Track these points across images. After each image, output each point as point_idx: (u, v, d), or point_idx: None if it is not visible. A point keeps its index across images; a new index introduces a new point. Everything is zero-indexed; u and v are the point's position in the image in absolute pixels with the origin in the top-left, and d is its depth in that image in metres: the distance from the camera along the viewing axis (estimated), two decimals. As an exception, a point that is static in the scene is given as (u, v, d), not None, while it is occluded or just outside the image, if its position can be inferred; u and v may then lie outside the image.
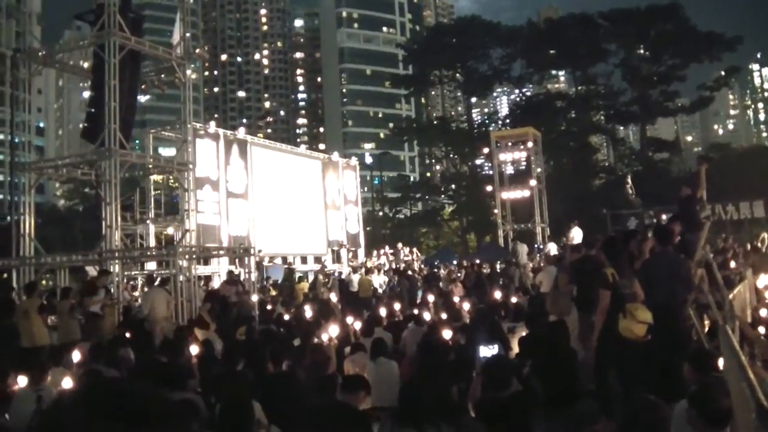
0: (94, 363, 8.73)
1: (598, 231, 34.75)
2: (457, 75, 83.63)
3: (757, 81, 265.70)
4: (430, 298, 14.01)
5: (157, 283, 17.90)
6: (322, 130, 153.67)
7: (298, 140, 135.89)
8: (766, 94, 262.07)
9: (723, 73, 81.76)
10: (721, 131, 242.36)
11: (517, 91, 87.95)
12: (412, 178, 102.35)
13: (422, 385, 6.25)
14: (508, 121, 76.43)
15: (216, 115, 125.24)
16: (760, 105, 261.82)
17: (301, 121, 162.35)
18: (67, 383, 7.29)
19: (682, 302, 8.75)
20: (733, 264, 16.37)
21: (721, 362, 5.25)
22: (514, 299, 14.30)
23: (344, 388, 6.49)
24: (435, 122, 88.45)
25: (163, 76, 23.26)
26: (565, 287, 11.34)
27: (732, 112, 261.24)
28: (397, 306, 14.75)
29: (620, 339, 8.12)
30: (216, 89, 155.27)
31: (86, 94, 35.10)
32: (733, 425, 4.01)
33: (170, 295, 16.60)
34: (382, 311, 14.05)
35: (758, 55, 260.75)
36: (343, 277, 28.16)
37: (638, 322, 8.07)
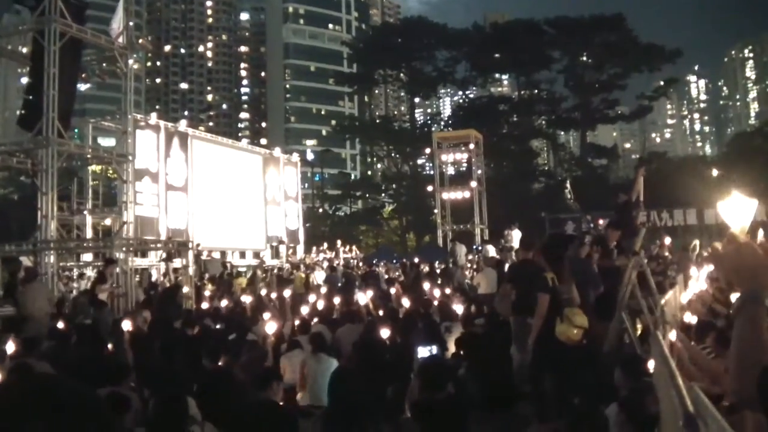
0: (26, 356, 8.56)
1: (536, 234, 35.15)
2: (402, 75, 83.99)
3: (693, 92, 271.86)
4: (368, 295, 13.98)
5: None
6: (264, 125, 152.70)
7: (240, 135, 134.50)
8: (701, 105, 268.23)
9: (662, 83, 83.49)
10: (658, 140, 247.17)
11: (460, 93, 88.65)
12: (353, 176, 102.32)
13: (355, 384, 6.24)
14: (450, 122, 76.92)
15: (158, 107, 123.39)
16: (696, 116, 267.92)
17: (244, 115, 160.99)
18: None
19: (591, 305, 8.95)
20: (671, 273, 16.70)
21: (651, 367, 5.34)
22: (453, 300, 14.37)
23: (255, 385, 6.44)
24: (378, 121, 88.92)
25: (104, 65, 22.89)
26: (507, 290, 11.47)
27: (669, 121, 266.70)
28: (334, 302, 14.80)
29: (557, 343, 8.20)
30: (158, 80, 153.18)
31: (24, 81, 34.33)
32: (660, 431, 4.09)
33: (50, 290, 16.49)
34: (319, 307, 14.05)
35: (696, 68, 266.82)
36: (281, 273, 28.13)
37: (575, 327, 8.17)
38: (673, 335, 6.71)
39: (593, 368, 7.87)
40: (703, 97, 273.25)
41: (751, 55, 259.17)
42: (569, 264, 9.13)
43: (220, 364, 8.36)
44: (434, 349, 7.42)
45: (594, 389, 7.25)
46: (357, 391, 5.96)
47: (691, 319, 9.26)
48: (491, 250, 26.34)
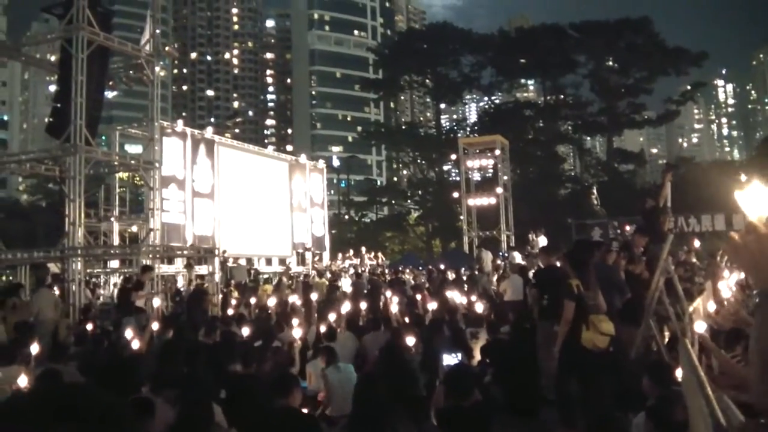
0: (51, 362, 8.62)
1: (562, 240, 34.99)
2: (427, 81, 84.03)
3: (721, 96, 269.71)
4: (395, 302, 13.96)
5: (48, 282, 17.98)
6: (290, 131, 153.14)
7: (266, 141, 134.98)
8: (729, 109, 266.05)
9: (689, 87, 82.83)
10: (685, 144, 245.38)
11: (486, 98, 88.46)
12: (378, 182, 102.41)
13: (380, 390, 6.24)
14: (476, 128, 76.76)
15: (184, 114, 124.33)
16: (723, 120, 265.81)
17: (270, 122, 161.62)
18: (23, 381, 7.16)
19: (617, 311, 8.88)
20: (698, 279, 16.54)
21: (680, 374, 5.28)
22: (479, 306, 14.31)
23: (276, 392, 6.43)
24: (403, 127, 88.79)
25: (131, 72, 23.11)
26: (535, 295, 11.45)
27: (697, 126, 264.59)
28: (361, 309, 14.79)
29: (583, 350, 8.16)
30: (185, 87, 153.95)
31: (52, 88, 34.67)
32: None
33: (57, 296, 16.65)
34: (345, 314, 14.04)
35: (723, 71, 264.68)
36: (308, 280, 28.15)
37: (601, 334, 8.12)
38: (701, 326, 6.61)
39: (619, 375, 7.81)
40: (730, 101, 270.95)
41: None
42: (595, 270, 9.08)
43: (245, 370, 8.37)
44: (459, 356, 7.38)
45: (620, 396, 7.20)
46: (382, 397, 5.95)
47: (720, 325, 9.16)
48: (517, 257, 26.26)
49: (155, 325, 11.54)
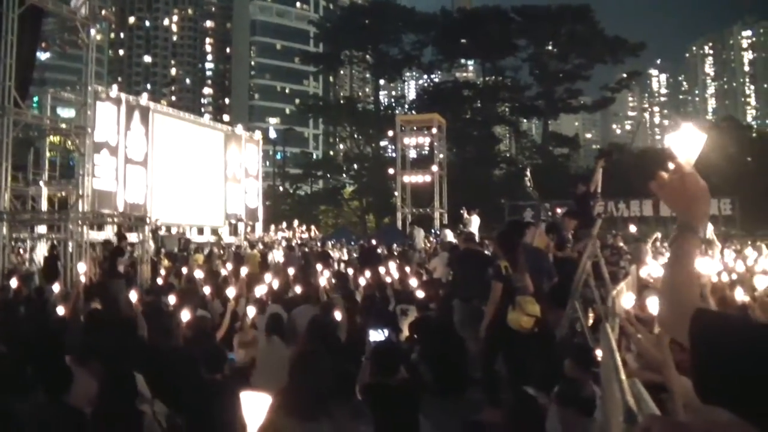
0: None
1: (496, 220, 35.37)
2: (368, 57, 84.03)
3: (654, 86, 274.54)
4: (325, 276, 13.95)
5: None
6: (228, 101, 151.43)
7: (203, 110, 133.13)
8: (662, 98, 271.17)
9: (625, 75, 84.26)
10: (619, 131, 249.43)
11: (426, 77, 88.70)
12: (315, 156, 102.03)
13: (315, 366, 6.23)
14: (414, 106, 76.97)
15: (120, 79, 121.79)
16: (656, 109, 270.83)
17: (208, 91, 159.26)
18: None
19: (545, 293, 9.01)
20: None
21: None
22: (410, 283, 14.37)
23: (206, 367, 6.40)
24: (342, 102, 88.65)
25: (66, 35, 22.56)
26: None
27: (630, 113, 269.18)
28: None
29: (508, 330, 8.26)
30: (121, 52, 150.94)
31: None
32: (606, 424, 4.14)
33: None
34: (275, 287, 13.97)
35: (658, 62, 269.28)
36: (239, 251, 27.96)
37: (527, 315, 8.22)
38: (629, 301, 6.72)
39: (544, 356, 7.93)
40: (663, 90, 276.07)
41: (711, 51, 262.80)
42: (524, 252, 9.18)
43: (171, 341, 8.30)
44: (387, 333, 7.40)
45: (544, 377, 7.31)
46: (316, 374, 5.95)
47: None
48: (449, 235, 26.39)
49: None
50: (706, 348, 1.76)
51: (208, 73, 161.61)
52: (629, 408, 2.51)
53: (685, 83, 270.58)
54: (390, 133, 57.44)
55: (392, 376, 6.18)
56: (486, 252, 12.78)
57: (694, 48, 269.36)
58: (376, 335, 6.84)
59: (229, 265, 18.55)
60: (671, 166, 2.07)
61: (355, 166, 76.99)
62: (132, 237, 23.17)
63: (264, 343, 8.94)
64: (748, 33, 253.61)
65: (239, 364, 8.79)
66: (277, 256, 25.90)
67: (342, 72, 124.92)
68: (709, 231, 18.54)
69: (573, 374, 6.01)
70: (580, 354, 6.38)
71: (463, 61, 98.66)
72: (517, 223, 12.56)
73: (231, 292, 10.86)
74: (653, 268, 12.01)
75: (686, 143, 2.07)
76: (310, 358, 6.24)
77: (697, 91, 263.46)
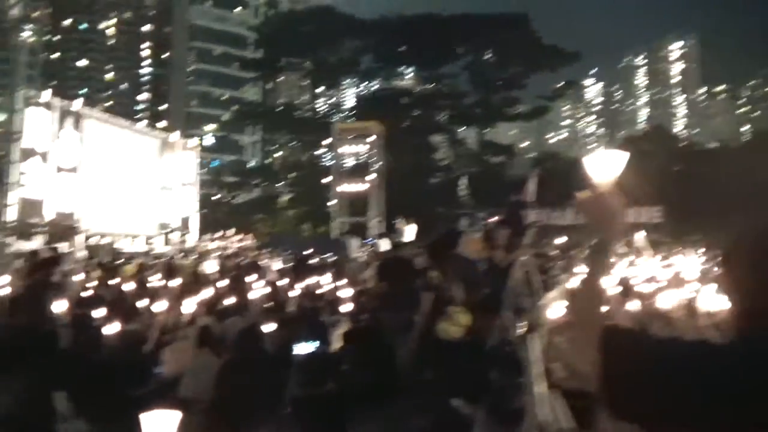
0: None
1: (432, 229, 35.48)
2: (306, 63, 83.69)
3: (589, 95, 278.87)
4: (256, 286, 13.85)
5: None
6: (165, 107, 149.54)
7: (140, 116, 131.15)
8: (596, 108, 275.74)
9: (561, 85, 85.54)
10: (554, 140, 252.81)
11: (364, 84, 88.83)
12: (252, 164, 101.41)
13: (241, 378, 6.19)
14: (353, 113, 77.06)
15: (54, 83, 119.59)
16: (592, 118, 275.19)
17: (144, 96, 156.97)
18: None
19: (476, 302, 9.06)
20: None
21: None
22: (343, 293, 14.33)
23: (131, 379, 6.32)
24: (280, 109, 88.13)
25: (-4, 37, 22.15)
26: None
27: (566, 122, 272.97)
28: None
29: (438, 340, 8.28)
30: (55, 55, 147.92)
31: None
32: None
33: None
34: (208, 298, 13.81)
35: (593, 72, 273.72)
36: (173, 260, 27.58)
37: (457, 325, 8.26)
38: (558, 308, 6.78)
39: (473, 366, 7.97)
40: (598, 100, 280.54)
41: (645, 62, 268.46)
42: (456, 261, 9.22)
43: (98, 354, 8.16)
44: (315, 344, 7.38)
45: (473, 387, 7.35)
46: (243, 386, 5.90)
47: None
48: (383, 244, 26.46)
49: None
50: (614, 365, 1.80)
51: (146, 78, 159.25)
52: (546, 420, 2.55)
53: (619, 93, 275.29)
54: (328, 140, 57.42)
55: (321, 388, 6.17)
56: (417, 261, 12.82)
57: (628, 59, 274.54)
58: (304, 347, 6.83)
59: (161, 276, 18.30)
60: (589, 186, 2.13)
61: (292, 174, 76.77)
62: (62, 246, 22.79)
63: (194, 356, 8.84)
64: (679, 44, 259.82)
65: (167, 378, 8.67)
66: (210, 266, 25.64)
67: (281, 79, 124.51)
68: (642, 239, 18.90)
69: (501, 384, 6.06)
70: (508, 364, 6.42)
71: (402, 68, 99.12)
72: (449, 233, 12.62)
73: (161, 304, 10.72)
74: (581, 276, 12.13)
75: (605, 164, 2.14)
76: (237, 369, 6.19)
77: (630, 101, 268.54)
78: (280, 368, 7.93)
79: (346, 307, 12.43)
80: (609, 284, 8.15)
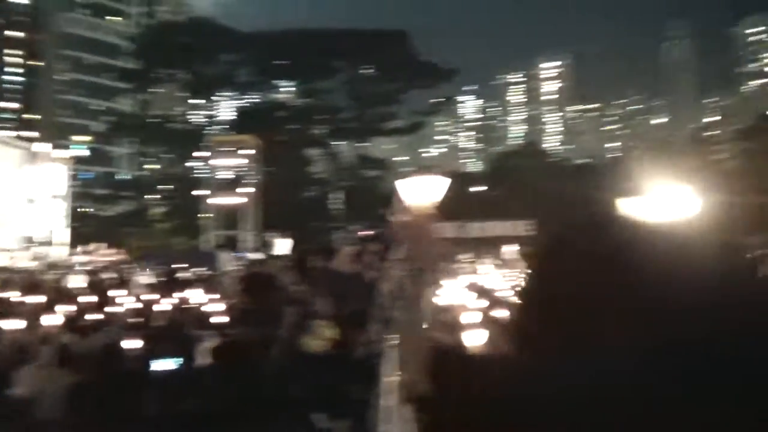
0: None
1: (308, 242, 35.47)
2: (183, 75, 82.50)
3: (466, 111, 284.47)
4: (123, 301, 13.54)
5: None
6: (34, 117, 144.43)
7: (7, 125, 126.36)
8: (472, 123, 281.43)
9: (438, 100, 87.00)
10: (429, 155, 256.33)
11: (242, 97, 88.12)
12: (124, 176, 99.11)
13: (94, 398, 6.02)
14: (229, 126, 76.40)
15: None
16: (469, 133, 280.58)
17: (12, 105, 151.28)
18: None
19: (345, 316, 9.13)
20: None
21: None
22: (214, 307, 14.13)
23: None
24: (155, 120, 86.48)
25: None
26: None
27: (442, 137, 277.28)
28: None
29: (304, 354, 8.28)
30: None
31: None
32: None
33: None
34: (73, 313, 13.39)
35: (470, 88, 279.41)
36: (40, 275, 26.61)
37: (322, 339, 8.27)
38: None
39: (337, 380, 7.99)
40: (474, 116, 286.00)
41: (521, 80, 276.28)
42: (326, 275, 9.25)
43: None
44: (176, 361, 7.25)
45: (335, 400, 7.36)
46: (96, 404, 5.74)
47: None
48: (256, 258, 26.27)
49: None
50: (442, 384, 1.82)
51: (15, 86, 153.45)
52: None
53: (495, 109, 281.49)
54: (203, 153, 56.70)
55: (182, 403, 6.07)
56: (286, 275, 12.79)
57: (504, 76, 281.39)
58: (164, 363, 6.71)
59: (21, 292, 17.61)
60: (407, 212, 2.14)
61: (166, 186, 75.46)
62: None
63: (51, 376, 8.54)
64: (554, 64, 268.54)
65: (18, 398, 8.35)
66: (75, 281, 24.86)
67: (157, 90, 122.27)
68: (515, 252, 19.35)
69: (362, 398, 6.09)
70: (372, 378, 6.47)
71: (279, 82, 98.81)
72: (315, 248, 12.66)
73: (16, 321, 10.34)
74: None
75: (426, 189, 2.15)
76: (91, 389, 6.03)
77: (505, 118, 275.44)
78: (140, 385, 7.77)
79: (216, 322, 12.28)
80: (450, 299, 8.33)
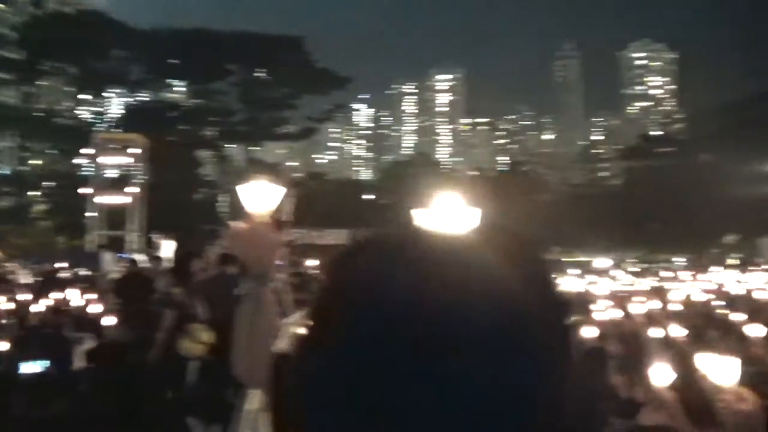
0: None
1: (195, 245, 35.03)
2: (71, 69, 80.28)
3: (358, 119, 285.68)
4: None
5: None
6: None
7: None
8: (365, 132, 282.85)
9: (331, 107, 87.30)
10: (321, 161, 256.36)
11: (132, 94, 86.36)
12: (3, 171, 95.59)
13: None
14: (117, 124, 74.78)
15: None
16: (360, 141, 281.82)
17: None
18: None
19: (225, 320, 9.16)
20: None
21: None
22: (93, 308, 13.85)
23: None
24: (39, 114, 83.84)
25: None
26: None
27: (334, 144, 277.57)
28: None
29: (180, 357, 8.27)
30: None
31: None
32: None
33: None
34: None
35: (364, 96, 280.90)
36: None
37: (199, 343, 8.27)
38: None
39: (212, 384, 8.02)
40: (367, 124, 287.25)
41: (414, 90, 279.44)
42: (202, 278, 9.24)
43: None
44: (44, 363, 7.14)
45: (210, 405, 7.39)
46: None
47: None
48: (140, 259, 25.79)
49: None
50: (290, 391, 1.91)
51: None
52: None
53: (387, 119, 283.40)
54: (89, 150, 55.30)
55: (47, 408, 6.00)
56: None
57: (397, 86, 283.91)
58: (32, 366, 6.61)
59: None
60: (244, 218, 2.21)
61: (49, 183, 73.18)
62: None
63: None
64: (445, 77, 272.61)
65: None
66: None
67: (42, 82, 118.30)
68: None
69: (235, 402, 6.14)
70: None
71: (171, 81, 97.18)
72: (192, 252, 12.57)
73: None
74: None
75: (262, 197, 2.22)
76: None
77: (397, 127, 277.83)
78: (7, 387, 7.62)
79: (94, 324, 12.07)
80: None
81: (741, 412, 3.96)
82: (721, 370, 4.43)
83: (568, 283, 27.25)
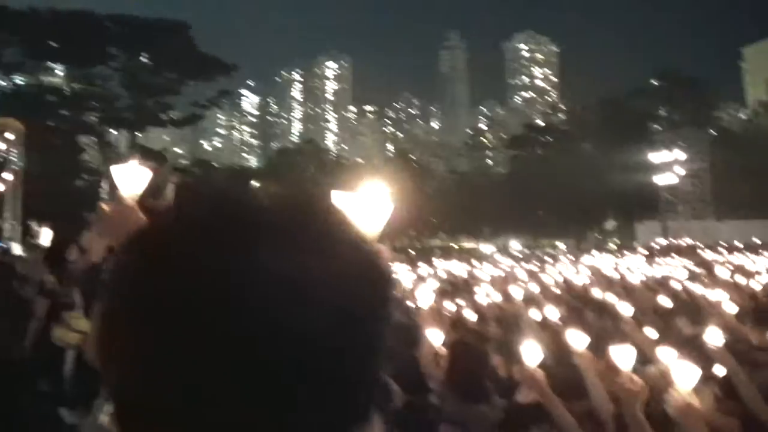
0: None
1: (75, 232, 34.11)
2: (-61, 50, 76.93)
3: (245, 106, 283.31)
4: None
5: None
6: None
7: None
8: (252, 119, 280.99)
9: (216, 93, 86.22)
10: (208, 147, 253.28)
11: (7, 77, 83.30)
12: None
13: None
14: (-9, 108, 71.99)
15: None
16: (246, 128, 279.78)
17: None
18: None
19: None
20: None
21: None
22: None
23: None
24: None
25: None
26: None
27: (221, 131, 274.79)
28: None
29: (54, 347, 8.08)
30: None
31: None
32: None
33: None
34: None
35: (251, 83, 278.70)
36: None
37: (74, 331, 8.09)
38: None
39: (86, 373, 7.86)
40: (254, 111, 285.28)
41: (301, 78, 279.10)
42: (80, 267, 9.02)
43: None
44: None
45: (83, 395, 7.24)
46: None
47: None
48: (15, 248, 25.00)
49: None
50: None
51: None
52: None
53: (275, 106, 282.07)
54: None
55: None
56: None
57: (284, 73, 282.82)
58: None
59: None
60: (115, 199, 2.19)
61: None
62: None
63: None
64: (333, 65, 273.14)
65: None
66: None
67: None
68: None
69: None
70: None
71: (50, 64, 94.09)
72: (65, 238, 12.26)
73: None
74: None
75: (131, 178, 2.20)
76: None
77: (285, 114, 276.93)
78: None
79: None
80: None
81: (631, 391, 4.31)
82: (621, 357, 4.72)
83: (453, 268, 27.72)
